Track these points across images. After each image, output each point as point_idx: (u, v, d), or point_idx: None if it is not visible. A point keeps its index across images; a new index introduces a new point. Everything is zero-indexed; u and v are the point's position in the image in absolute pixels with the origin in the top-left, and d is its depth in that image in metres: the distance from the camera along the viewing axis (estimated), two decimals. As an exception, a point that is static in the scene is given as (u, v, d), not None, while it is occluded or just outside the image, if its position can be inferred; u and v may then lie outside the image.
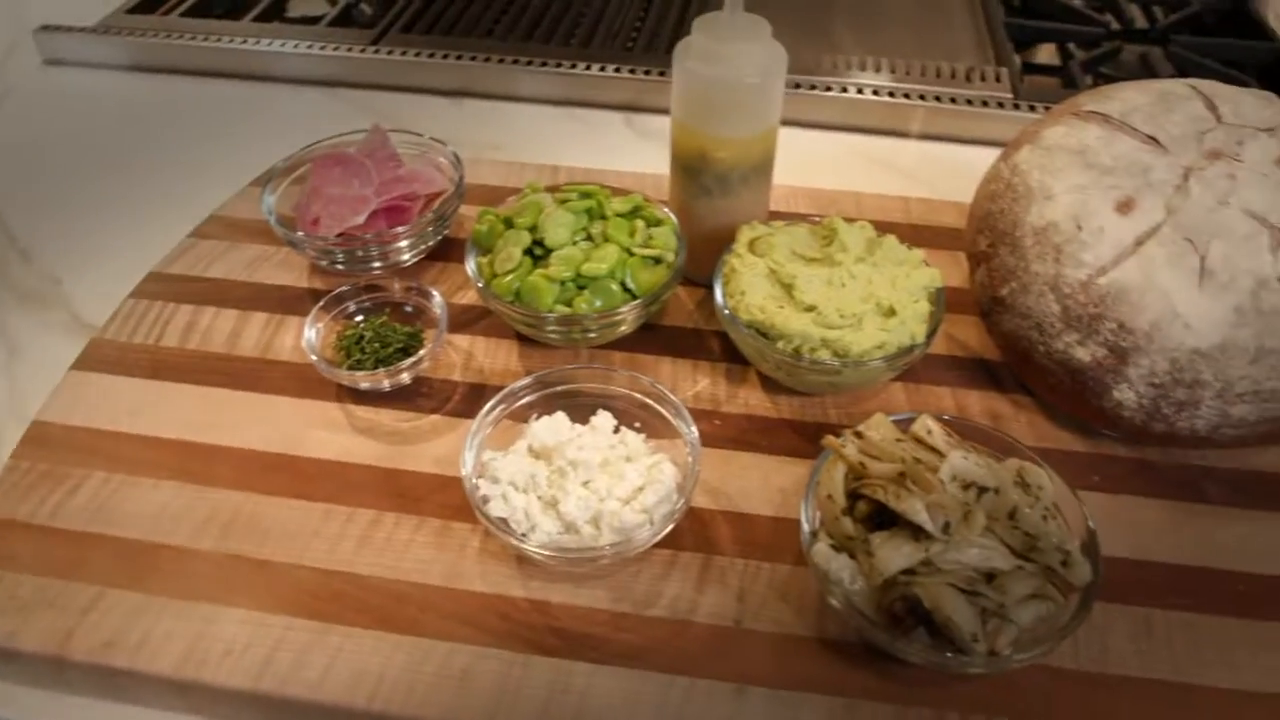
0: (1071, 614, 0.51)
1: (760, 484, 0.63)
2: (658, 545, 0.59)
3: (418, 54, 1.08)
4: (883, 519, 0.53)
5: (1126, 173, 0.62)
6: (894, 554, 0.50)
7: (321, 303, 0.71)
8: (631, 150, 1.00)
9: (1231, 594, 0.58)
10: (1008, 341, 0.67)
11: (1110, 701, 0.53)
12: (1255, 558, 0.60)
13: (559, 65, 1.06)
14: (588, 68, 1.06)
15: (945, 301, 0.67)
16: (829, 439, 0.56)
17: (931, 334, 0.65)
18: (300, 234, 0.75)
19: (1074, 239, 0.62)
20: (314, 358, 0.67)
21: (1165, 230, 0.60)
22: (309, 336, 0.69)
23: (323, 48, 1.08)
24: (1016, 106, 1.00)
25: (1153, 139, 0.64)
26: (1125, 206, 0.61)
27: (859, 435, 0.56)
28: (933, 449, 0.56)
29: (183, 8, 1.18)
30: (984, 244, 0.68)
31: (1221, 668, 0.55)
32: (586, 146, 1.00)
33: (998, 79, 1.05)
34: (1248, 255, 0.58)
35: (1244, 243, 0.58)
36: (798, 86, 1.02)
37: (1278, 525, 0.62)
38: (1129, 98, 0.67)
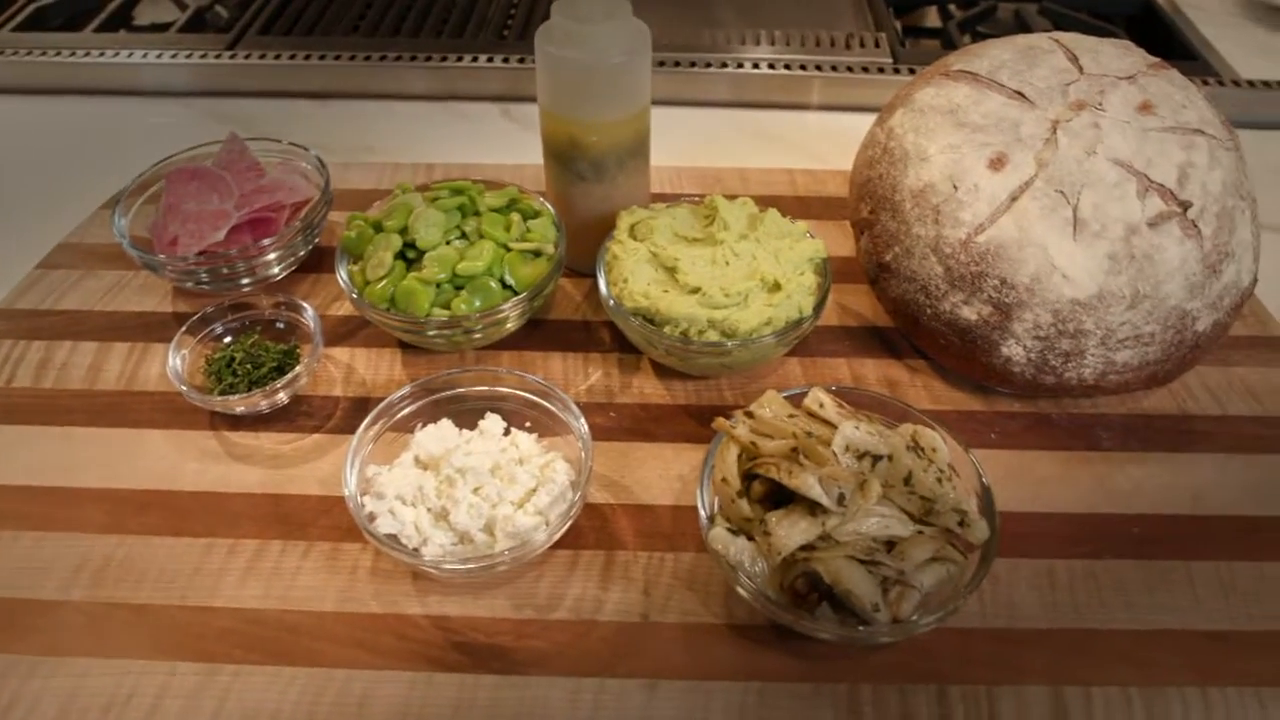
0: (973, 572, 0.53)
1: (659, 473, 0.64)
2: (558, 546, 0.59)
3: (278, 56, 1.06)
4: (780, 497, 0.54)
5: (997, 129, 0.65)
6: (791, 531, 0.51)
7: (185, 327, 0.69)
8: (511, 142, 0.99)
9: (1128, 537, 0.61)
10: (897, 307, 0.69)
11: (1019, 655, 0.55)
12: (1149, 499, 0.63)
13: (429, 59, 1.06)
14: (459, 59, 1.05)
15: (832, 272, 0.69)
16: (719, 421, 0.57)
17: (819, 306, 0.66)
18: (158, 256, 0.73)
19: (951, 199, 0.64)
20: (182, 387, 0.66)
21: (1037, 184, 0.62)
22: (174, 364, 0.67)
23: (174, 56, 1.05)
24: (897, 71, 1.03)
25: (1019, 94, 0.66)
26: (998, 163, 0.63)
27: (750, 415, 0.57)
28: (825, 422, 0.57)
29: (14, 22, 1.13)
30: (866, 211, 0.70)
31: (1121, 609, 0.57)
32: (464, 141, 1.00)
33: (877, 44, 1.07)
34: (1117, 203, 0.61)
35: (1112, 190, 0.61)
36: (676, 64, 1.02)
37: (1168, 465, 0.65)
38: (995, 54, 0.69)
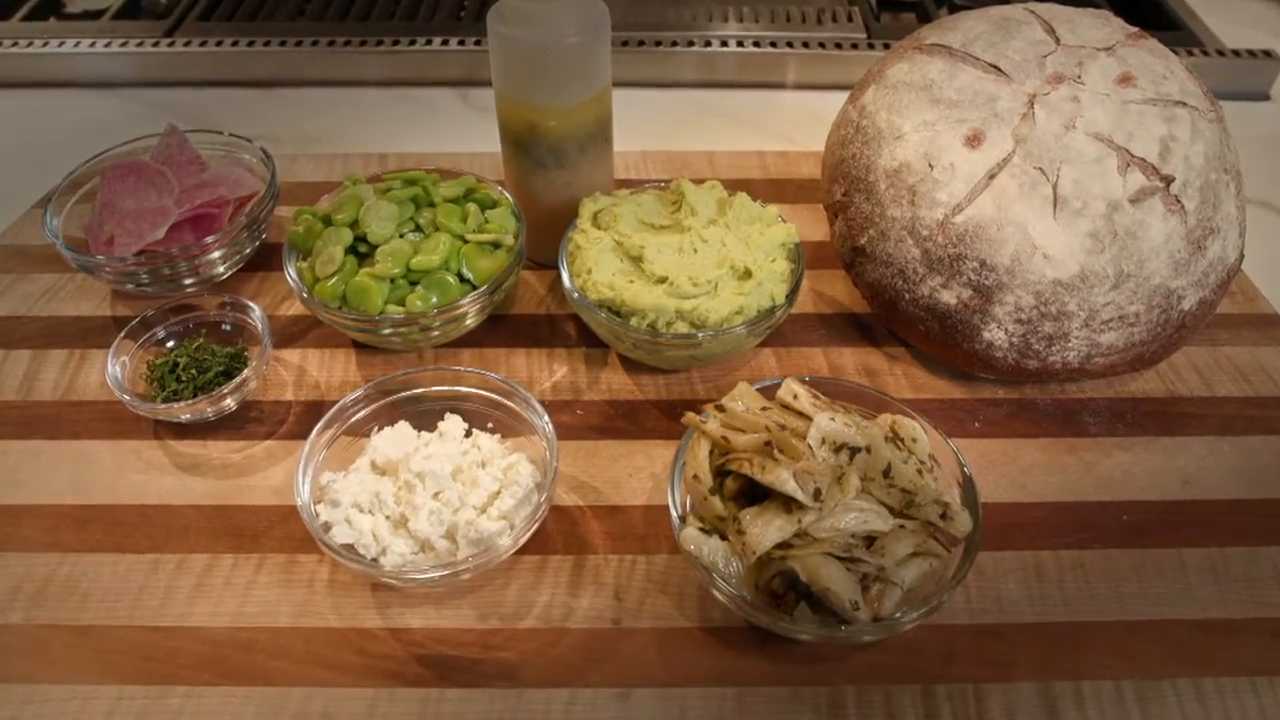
0: (956, 566, 0.54)
1: (629, 472, 0.64)
2: (524, 551, 0.59)
3: (219, 43, 1.05)
4: (755, 494, 0.54)
5: (972, 105, 0.65)
6: (765, 529, 0.51)
7: (125, 331, 0.68)
8: (470, 128, 0.99)
9: (1117, 525, 0.62)
10: (874, 292, 0.69)
11: (1007, 651, 0.56)
12: (1137, 485, 0.64)
13: (381, 43, 1.05)
14: (413, 43, 1.05)
15: (805, 257, 0.69)
16: (689, 416, 0.57)
17: (793, 293, 0.66)
18: (95, 257, 0.72)
19: (926, 178, 0.64)
20: (125, 396, 0.65)
21: (1015, 161, 0.63)
22: (113, 371, 0.66)
23: (108, 45, 1.04)
24: (871, 46, 1.04)
25: (995, 67, 0.66)
26: (974, 140, 0.64)
27: (721, 409, 0.57)
28: (799, 414, 0.57)
29: (-62, 12, 1.11)
30: (839, 193, 0.70)
31: (1112, 600, 0.58)
32: (420, 129, 1.00)
33: (850, 19, 1.08)
34: (1097, 179, 0.61)
35: (1093, 166, 0.61)
36: (640, 44, 1.02)
37: (1156, 450, 0.66)
38: (970, 26, 0.70)
